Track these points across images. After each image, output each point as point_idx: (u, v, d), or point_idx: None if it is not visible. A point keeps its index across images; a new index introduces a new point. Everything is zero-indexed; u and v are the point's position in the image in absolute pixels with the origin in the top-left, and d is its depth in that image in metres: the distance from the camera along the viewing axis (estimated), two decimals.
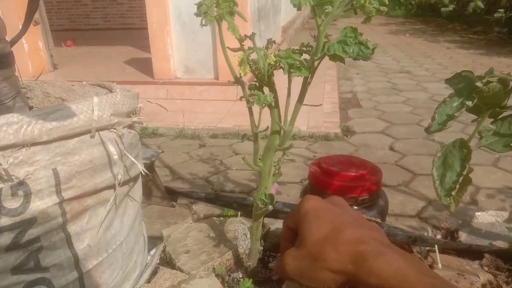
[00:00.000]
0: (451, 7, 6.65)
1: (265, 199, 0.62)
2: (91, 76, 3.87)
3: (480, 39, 6.94)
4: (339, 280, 0.52)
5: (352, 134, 2.75)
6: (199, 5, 0.48)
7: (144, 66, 3.93)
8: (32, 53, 3.77)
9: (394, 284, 0.45)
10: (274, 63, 0.52)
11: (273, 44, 0.57)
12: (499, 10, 5.95)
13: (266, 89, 0.54)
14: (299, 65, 0.52)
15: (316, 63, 0.52)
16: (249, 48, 0.53)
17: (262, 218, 0.68)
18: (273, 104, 0.54)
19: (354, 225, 0.54)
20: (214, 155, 2.47)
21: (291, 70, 0.52)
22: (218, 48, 3.31)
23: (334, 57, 0.51)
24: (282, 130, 0.57)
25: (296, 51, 0.52)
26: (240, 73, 0.52)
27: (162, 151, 1.36)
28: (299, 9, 0.50)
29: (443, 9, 6.80)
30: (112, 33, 6.88)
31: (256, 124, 0.58)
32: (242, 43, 0.55)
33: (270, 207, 0.63)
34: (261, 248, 0.75)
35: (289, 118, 0.57)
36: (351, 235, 0.52)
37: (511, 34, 6.57)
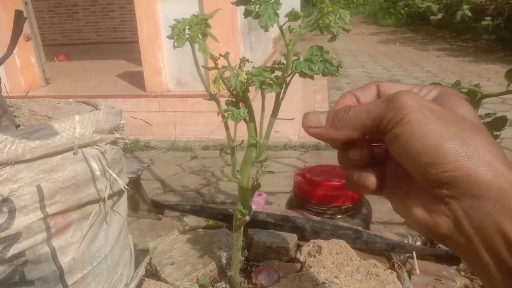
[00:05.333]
0: (439, 16, 6.75)
1: (243, 210, 0.65)
2: (83, 90, 3.89)
3: (468, 46, 7.04)
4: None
5: None
6: (172, 28, 0.51)
7: (136, 80, 3.96)
8: (24, 68, 3.79)
9: None
10: (245, 80, 0.54)
11: (246, 63, 0.59)
12: (486, 18, 6.06)
13: (242, 104, 0.57)
14: (270, 82, 0.54)
15: (288, 79, 0.55)
16: (223, 67, 0.55)
17: (242, 228, 0.70)
18: (247, 119, 0.57)
19: None
20: (206, 166, 2.49)
21: (263, 86, 0.55)
22: (209, 60, 3.35)
23: (302, 74, 0.53)
24: (258, 143, 0.59)
25: (268, 69, 0.55)
26: (214, 90, 0.55)
27: (148, 165, 1.38)
28: (266, 30, 0.53)
29: (432, 17, 6.90)
30: (104, 47, 6.92)
31: (232, 138, 0.61)
32: (216, 62, 0.58)
33: (247, 218, 0.65)
34: (243, 258, 0.77)
35: (264, 132, 0.60)
36: None
37: (499, 41, 6.67)
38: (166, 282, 0.81)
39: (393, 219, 1.90)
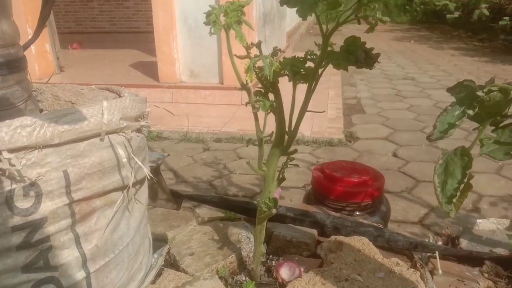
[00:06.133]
0: (456, 14, 6.65)
1: (269, 203, 0.64)
2: (96, 79, 3.89)
3: (485, 46, 6.94)
4: None
5: (356, 140, 2.76)
6: (208, 14, 0.50)
7: (150, 70, 3.95)
8: (39, 55, 3.80)
9: None
10: (279, 70, 0.53)
11: (279, 52, 0.58)
12: (504, 18, 5.95)
13: (271, 95, 0.56)
14: (303, 72, 0.53)
15: (320, 70, 0.54)
16: (256, 56, 0.54)
17: (266, 221, 0.69)
18: (277, 110, 0.56)
19: None
20: (218, 159, 2.48)
21: (296, 77, 0.53)
22: (223, 53, 3.34)
23: (338, 66, 0.52)
24: (286, 135, 0.58)
25: (301, 59, 0.54)
26: (246, 80, 0.54)
27: (168, 155, 1.37)
28: (304, 19, 0.51)
29: (448, 15, 6.80)
30: (118, 36, 6.92)
31: (261, 130, 0.60)
32: (249, 50, 0.56)
33: (274, 211, 0.64)
34: (265, 251, 0.76)
35: (293, 123, 0.58)
36: None
37: None
38: (185, 272, 0.81)
39: (407, 218, 1.87)
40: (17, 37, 0.70)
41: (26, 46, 0.79)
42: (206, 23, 0.49)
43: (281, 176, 0.63)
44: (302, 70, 0.53)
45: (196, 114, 3.30)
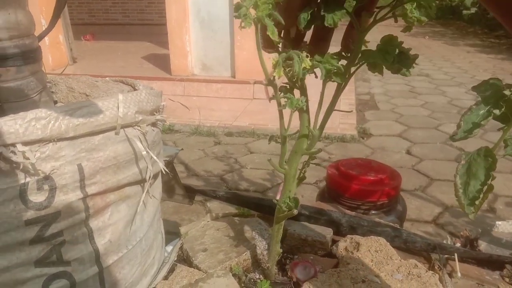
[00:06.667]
0: (473, 10, 6.54)
1: (289, 203, 0.62)
2: (109, 70, 3.90)
3: (501, 43, 6.81)
4: None
5: (369, 136, 2.72)
6: (238, 7, 0.47)
7: (162, 62, 3.95)
8: (52, 46, 3.82)
9: None
10: (309, 67, 0.51)
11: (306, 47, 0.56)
12: None
13: (296, 92, 0.54)
14: (336, 70, 0.51)
15: (353, 69, 0.52)
16: (285, 51, 0.52)
17: (283, 221, 0.68)
18: (304, 108, 0.54)
19: None
20: (229, 153, 2.47)
21: (328, 75, 0.51)
22: (236, 46, 3.32)
23: (373, 68, 0.50)
24: (311, 134, 0.56)
25: (335, 57, 0.52)
26: (274, 75, 0.52)
27: (182, 149, 1.36)
28: (335, 26, 0.49)
29: (464, 11, 6.69)
30: (130, 28, 6.94)
31: (286, 127, 0.57)
32: (278, 45, 0.54)
33: (295, 211, 0.62)
34: (281, 250, 0.75)
35: (319, 122, 0.56)
36: None
37: None
38: (198, 269, 0.79)
39: (420, 217, 1.85)
40: (32, 28, 0.69)
41: (41, 36, 0.78)
42: (237, 17, 0.47)
43: (302, 175, 0.61)
44: (335, 68, 0.51)
45: (208, 107, 3.29)
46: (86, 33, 6.12)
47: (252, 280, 0.78)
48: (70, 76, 0.91)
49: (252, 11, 0.47)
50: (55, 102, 0.81)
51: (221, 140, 2.75)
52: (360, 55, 0.48)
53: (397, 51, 0.48)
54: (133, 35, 6.32)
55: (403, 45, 0.50)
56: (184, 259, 0.86)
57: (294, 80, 0.52)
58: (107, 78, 0.91)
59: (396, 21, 0.46)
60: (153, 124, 0.71)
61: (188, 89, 3.49)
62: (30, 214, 0.56)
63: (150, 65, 4.15)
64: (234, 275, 0.78)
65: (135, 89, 0.82)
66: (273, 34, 0.47)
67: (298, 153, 0.58)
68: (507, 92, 0.71)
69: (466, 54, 5.92)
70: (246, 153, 2.56)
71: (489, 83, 0.74)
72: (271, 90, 0.54)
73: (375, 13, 0.46)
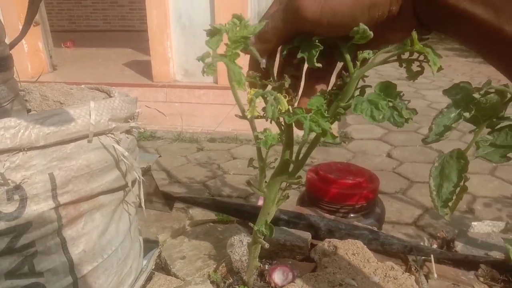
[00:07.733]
0: None
1: (264, 230, 0.60)
2: (90, 77, 3.86)
3: None
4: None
5: (350, 140, 2.75)
6: (204, 57, 0.42)
7: (144, 69, 3.93)
8: (31, 53, 3.77)
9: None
10: (286, 111, 0.43)
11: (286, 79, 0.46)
12: None
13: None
14: (321, 132, 0.43)
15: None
16: (258, 91, 0.44)
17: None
18: (286, 143, 0.50)
19: None
20: (212, 159, 2.47)
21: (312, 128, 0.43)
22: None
23: (365, 116, 0.42)
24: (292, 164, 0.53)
25: (327, 115, 0.43)
26: (247, 114, 0.44)
27: (160, 156, 1.36)
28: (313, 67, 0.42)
29: None
30: (112, 35, 6.88)
31: (264, 158, 0.54)
32: (256, 77, 0.45)
33: (267, 246, 0.61)
34: (259, 264, 0.74)
35: (302, 151, 0.52)
36: None
37: None
38: (176, 277, 0.79)
39: (401, 219, 1.87)
40: (2, 35, 0.68)
41: (13, 44, 0.77)
42: (199, 59, 0.42)
43: (283, 198, 0.58)
44: (320, 130, 0.43)
45: (190, 113, 3.28)
46: (66, 40, 6.06)
47: (231, 287, 0.77)
48: (44, 84, 0.89)
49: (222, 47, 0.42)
50: (29, 111, 0.79)
51: (203, 146, 2.75)
52: (349, 100, 0.42)
53: (390, 104, 0.41)
54: (114, 42, 6.26)
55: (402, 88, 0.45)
56: (162, 267, 0.85)
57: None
58: (82, 86, 0.90)
59: (400, 65, 0.42)
60: (128, 132, 0.71)
61: (170, 96, 3.47)
62: (0, 225, 0.55)
63: (131, 72, 4.12)
64: (212, 282, 0.77)
65: (110, 96, 0.81)
66: (240, 84, 0.41)
67: (277, 180, 0.55)
68: (477, 95, 0.72)
69: (444, 58, 6.03)
70: (229, 159, 2.56)
71: (460, 87, 0.75)
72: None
73: (372, 52, 0.41)
